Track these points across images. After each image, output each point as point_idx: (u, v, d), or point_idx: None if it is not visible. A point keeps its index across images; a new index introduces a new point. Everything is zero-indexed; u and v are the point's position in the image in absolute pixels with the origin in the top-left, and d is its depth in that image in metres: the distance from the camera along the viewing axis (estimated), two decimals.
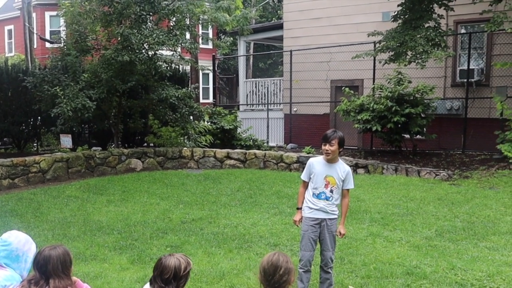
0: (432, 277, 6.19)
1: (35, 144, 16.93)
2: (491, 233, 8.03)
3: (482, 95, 15.62)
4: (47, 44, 23.25)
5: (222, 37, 29.98)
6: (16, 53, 29.77)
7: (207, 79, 30.94)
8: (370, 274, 6.28)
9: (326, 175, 5.51)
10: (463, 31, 16.44)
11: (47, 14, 28.40)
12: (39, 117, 16.07)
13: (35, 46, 21.24)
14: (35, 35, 21.05)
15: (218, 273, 6.36)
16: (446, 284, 5.99)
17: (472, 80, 15.57)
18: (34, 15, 21.65)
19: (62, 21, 16.91)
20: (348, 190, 5.65)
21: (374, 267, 6.53)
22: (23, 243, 4.06)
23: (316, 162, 5.65)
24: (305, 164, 14.47)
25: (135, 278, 6.29)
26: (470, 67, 15.59)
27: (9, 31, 33.92)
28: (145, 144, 16.43)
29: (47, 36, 25.15)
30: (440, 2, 14.13)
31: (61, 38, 15.85)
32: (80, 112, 13.37)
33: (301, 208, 5.70)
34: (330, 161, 5.55)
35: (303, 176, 5.72)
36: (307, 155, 14.55)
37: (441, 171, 12.88)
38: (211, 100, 26.24)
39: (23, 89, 14.83)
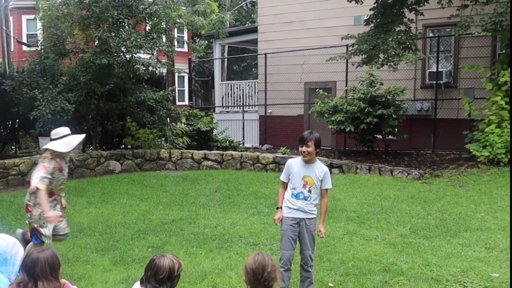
0: (409, 273, 6.24)
1: (13, 147, 16.61)
2: (463, 229, 8.13)
3: (450, 97, 15.86)
4: (24, 48, 22.89)
5: (197, 40, 29.86)
6: None
7: (182, 82, 30.77)
8: (349, 272, 6.31)
9: (304, 176, 5.51)
10: (431, 34, 16.64)
11: (24, 18, 27.91)
12: (17, 120, 15.79)
13: (12, 50, 20.82)
14: (12, 38, 20.68)
15: (200, 273, 6.32)
16: (422, 280, 6.04)
17: (441, 82, 15.78)
18: (11, 18, 21.30)
19: (39, 24, 16.65)
20: (326, 190, 5.65)
21: (353, 264, 6.56)
22: (11, 246, 3.97)
23: (294, 163, 5.64)
24: (282, 164, 14.51)
25: (118, 279, 6.21)
26: (439, 70, 15.82)
27: None
28: (123, 146, 16.26)
29: (24, 40, 24.73)
30: (410, 7, 14.32)
31: (39, 42, 15.60)
32: (59, 114, 13.18)
33: (281, 208, 5.70)
34: (308, 161, 5.55)
35: (282, 176, 5.71)
36: (283, 155, 14.58)
37: (413, 170, 13.03)
38: (186, 102, 26.15)
39: (1, 92, 14.52)
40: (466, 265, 6.48)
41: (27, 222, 6.28)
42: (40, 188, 5.89)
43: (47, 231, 6.12)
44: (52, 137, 6.24)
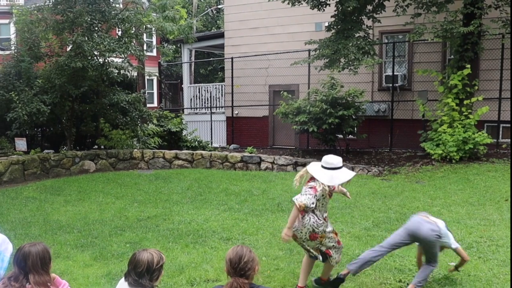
0: (374, 264, 6.28)
1: None
2: None
3: (405, 99, 16.13)
4: None
5: (165, 45, 29.60)
6: None
7: (151, 85, 30.40)
8: (318, 263, 6.35)
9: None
10: (387, 40, 16.88)
11: None
12: None
13: None
14: None
15: (178, 267, 6.31)
16: (387, 270, 6.16)
17: (397, 85, 16.03)
18: None
19: (13, 29, 16.26)
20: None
21: None
22: None
23: None
24: (250, 163, 14.50)
25: (99, 274, 6.15)
26: (395, 73, 16.06)
27: None
28: (96, 146, 16.02)
29: None
30: (368, 15, 14.47)
31: (13, 45, 15.24)
32: (35, 116, 12.95)
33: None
34: None
35: None
36: (250, 154, 14.62)
37: (373, 168, 13.22)
38: (155, 104, 25.91)
39: None
40: None
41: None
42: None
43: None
44: (324, 164, 5.43)
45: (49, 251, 3.77)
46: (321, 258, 5.58)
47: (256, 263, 3.75)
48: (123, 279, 3.78)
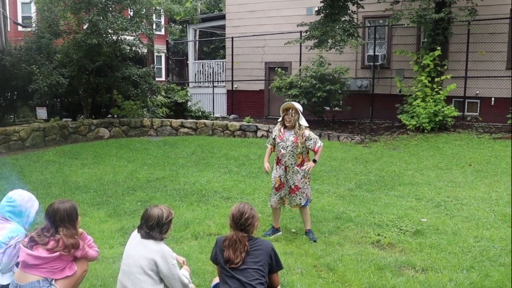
0: (356, 220, 6.34)
1: (11, 116, 15.97)
2: (398, 184, 8.31)
3: (384, 76, 16.02)
4: (20, 28, 21.85)
5: (172, 25, 29.08)
6: None
7: (159, 61, 29.95)
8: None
9: None
10: (369, 24, 16.69)
11: (19, 1, 26.66)
12: (15, 92, 15.12)
13: (8, 30, 19.81)
14: (8, 19, 19.65)
15: (184, 223, 6.27)
16: (367, 226, 6.14)
17: (377, 63, 15.93)
18: (7, 1, 20.15)
19: (34, 8, 15.87)
20: None
21: (310, 214, 6.53)
22: (26, 201, 3.89)
23: None
24: (248, 131, 14.42)
25: (113, 228, 6.11)
26: (376, 53, 15.94)
27: None
28: (110, 115, 15.83)
29: (20, 21, 23.57)
30: (353, 1, 14.39)
31: (34, 23, 14.88)
32: (54, 87, 12.71)
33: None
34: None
35: None
36: (247, 123, 14.53)
37: (356, 136, 13.17)
38: (163, 78, 25.58)
39: (1, 67, 13.84)
40: (401, 212, 6.64)
41: None
42: None
43: None
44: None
45: (77, 208, 3.74)
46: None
47: (256, 220, 3.72)
48: (135, 231, 3.75)
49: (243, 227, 3.65)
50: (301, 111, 5.66)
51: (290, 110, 5.62)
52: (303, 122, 5.66)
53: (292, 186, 5.67)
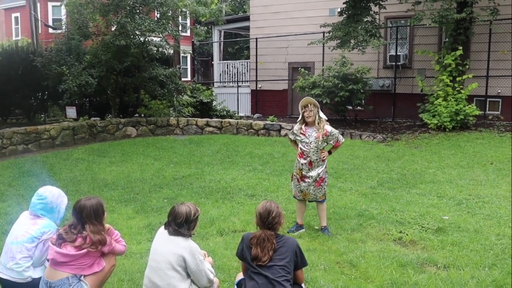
0: (378, 217, 6.32)
1: (42, 115, 16.34)
2: (419, 182, 8.23)
3: (406, 75, 15.87)
4: (50, 30, 22.29)
5: (198, 26, 29.26)
6: (22, 37, 28.26)
7: (185, 61, 30.20)
8: (330, 217, 6.35)
9: None
10: (391, 24, 16.54)
11: (50, 4, 27.24)
12: (46, 92, 15.49)
13: (39, 32, 20.24)
14: (40, 22, 20.08)
15: (209, 219, 6.33)
16: (389, 223, 6.12)
17: (399, 63, 15.77)
18: (38, 5, 20.59)
19: (64, 10, 16.17)
20: None
21: (333, 211, 6.60)
22: (56, 197, 3.94)
23: None
24: (271, 130, 14.43)
25: (141, 225, 6.19)
26: (397, 53, 15.79)
27: (16, 18, 32.01)
28: (137, 114, 16.07)
29: (50, 23, 24.07)
30: (375, 1, 14.31)
31: (64, 25, 15.16)
32: (83, 87, 12.95)
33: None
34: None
35: None
36: (271, 122, 14.54)
37: (378, 135, 13.07)
38: (188, 78, 25.75)
39: (32, 68, 14.20)
40: (423, 210, 6.60)
41: None
42: None
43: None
44: None
45: (103, 204, 3.76)
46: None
47: (282, 218, 3.73)
48: (162, 227, 3.77)
49: (270, 225, 3.66)
50: (318, 106, 5.74)
51: (309, 105, 5.66)
52: (322, 115, 5.78)
53: (318, 179, 5.72)
